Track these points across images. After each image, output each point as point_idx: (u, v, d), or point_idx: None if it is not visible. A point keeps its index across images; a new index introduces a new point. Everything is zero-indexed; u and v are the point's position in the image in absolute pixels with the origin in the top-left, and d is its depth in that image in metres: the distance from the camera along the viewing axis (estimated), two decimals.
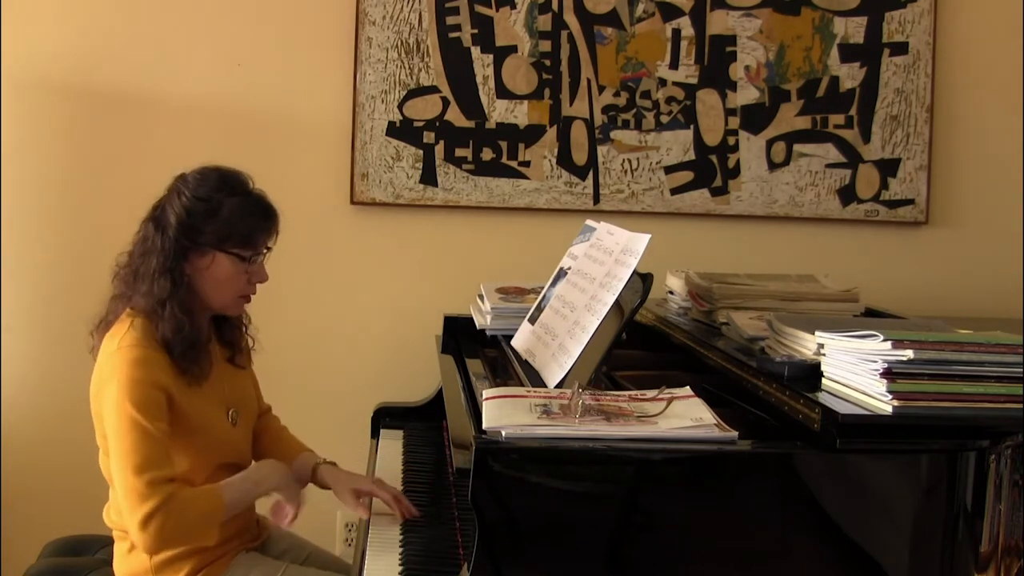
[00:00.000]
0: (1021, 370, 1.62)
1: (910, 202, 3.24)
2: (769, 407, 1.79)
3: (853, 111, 3.21)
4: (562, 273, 2.22)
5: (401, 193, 3.13)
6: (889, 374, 1.60)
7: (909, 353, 1.59)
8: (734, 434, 1.59)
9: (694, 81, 3.17)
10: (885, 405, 1.59)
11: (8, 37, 3.04)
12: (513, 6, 3.12)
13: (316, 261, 3.15)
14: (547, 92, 3.14)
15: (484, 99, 3.13)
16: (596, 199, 3.17)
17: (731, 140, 3.19)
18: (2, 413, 3.09)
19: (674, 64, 3.16)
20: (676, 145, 3.18)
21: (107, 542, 2.11)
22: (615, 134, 3.16)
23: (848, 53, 3.20)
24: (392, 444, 2.57)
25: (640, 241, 1.94)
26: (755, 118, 3.19)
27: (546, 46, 3.14)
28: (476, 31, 3.11)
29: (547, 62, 3.14)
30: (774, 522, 1.59)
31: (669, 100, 3.17)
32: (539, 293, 2.29)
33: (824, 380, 1.76)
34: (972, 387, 1.61)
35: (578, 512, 1.55)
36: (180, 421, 1.94)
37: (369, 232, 3.16)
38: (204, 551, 1.98)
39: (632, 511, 1.55)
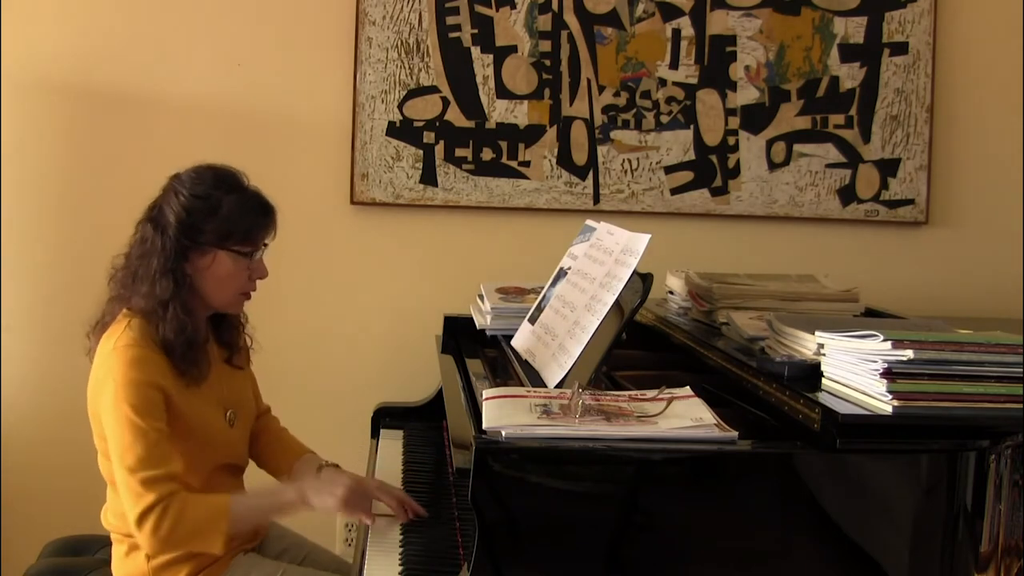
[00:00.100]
0: (1021, 370, 1.62)
1: (910, 202, 3.24)
2: (769, 407, 1.79)
3: (853, 111, 3.21)
4: (562, 273, 2.22)
5: (401, 193, 3.13)
6: (889, 374, 1.60)
7: (909, 353, 1.59)
8: (734, 434, 1.59)
9: (694, 81, 3.17)
10: (885, 405, 1.59)
11: (8, 37, 3.04)
12: (513, 6, 3.12)
13: (316, 261, 3.15)
14: (547, 92, 3.14)
15: (484, 99, 3.13)
16: (596, 199, 3.17)
17: (731, 140, 3.19)
18: (2, 413, 3.09)
19: (674, 64, 3.17)
20: (676, 145, 3.18)
21: (107, 542, 2.11)
22: (615, 134, 3.16)
23: (848, 53, 3.20)
24: (392, 444, 2.57)
25: (640, 241, 1.94)
26: (755, 118, 3.19)
27: (546, 46, 3.14)
28: (476, 31, 3.11)
29: (547, 62, 3.14)
30: (774, 522, 1.59)
31: (669, 100, 3.17)
32: (539, 293, 2.29)
33: (824, 380, 1.76)
34: (972, 387, 1.61)
35: (578, 512, 1.55)
36: (177, 422, 1.94)
37: (369, 232, 3.16)
38: (202, 553, 1.97)
39: (632, 511, 1.55)
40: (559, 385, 1.89)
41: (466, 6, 3.10)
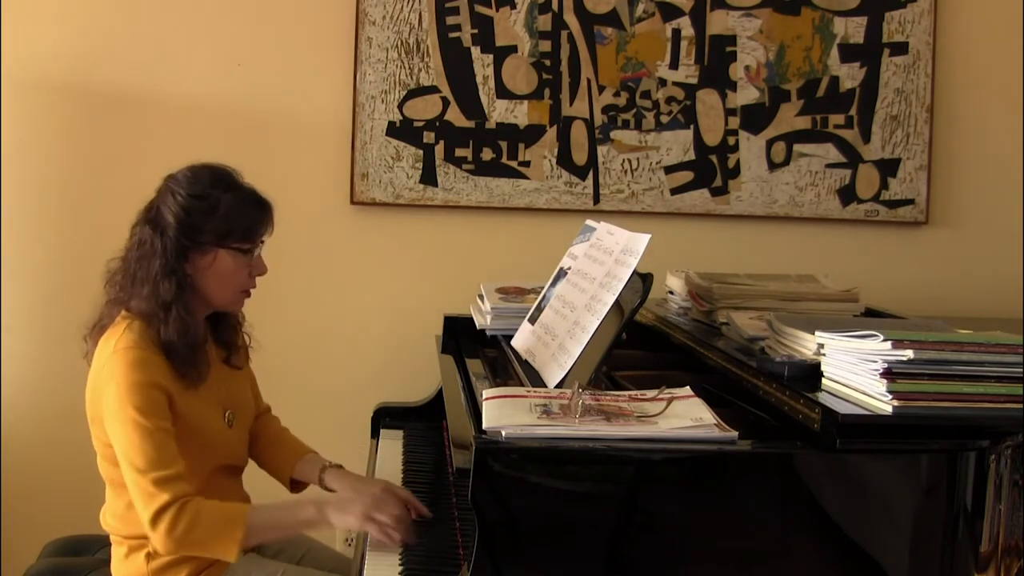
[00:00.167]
0: (1021, 370, 1.62)
1: (910, 202, 3.24)
2: (769, 407, 1.79)
3: (853, 111, 3.21)
4: (562, 273, 2.22)
5: (401, 193, 3.13)
6: (889, 374, 1.60)
7: (909, 353, 1.59)
8: (734, 434, 1.59)
9: (694, 81, 3.17)
10: (885, 405, 1.59)
11: (8, 37, 3.04)
12: (513, 6, 3.12)
13: (316, 261, 3.15)
14: (547, 92, 3.14)
15: (484, 99, 3.13)
16: (596, 199, 3.17)
17: (731, 140, 3.19)
18: (2, 413, 3.09)
19: (674, 64, 3.16)
20: (676, 145, 3.18)
21: (107, 542, 2.11)
22: (615, 134, 3.16)
23: (848, 53, 3.20)
24: (392, 444, 2.57)
25: (640, 241, 1.94)
26: (755, 118, 3.19)
27: (546, 46, 3.14)
28: (476, 31, 3.11)
29: (547, 62, 3.14)
30: (774, 522, 1.59)
31: (669, 100, 3.17)
32: (539, 293, 2.29)
33: (824, 380, 1.76)
34: (972, 387, 1.61)
35: (578, 512, 1.55)
36: (177, 424, 1.94)
37: (369, 232, 3.16)
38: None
39: (632, 511, 1.55)
40: (559, 385, 1.89)
41: (466, 6, 3.10)
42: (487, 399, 1.72)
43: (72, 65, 3.07)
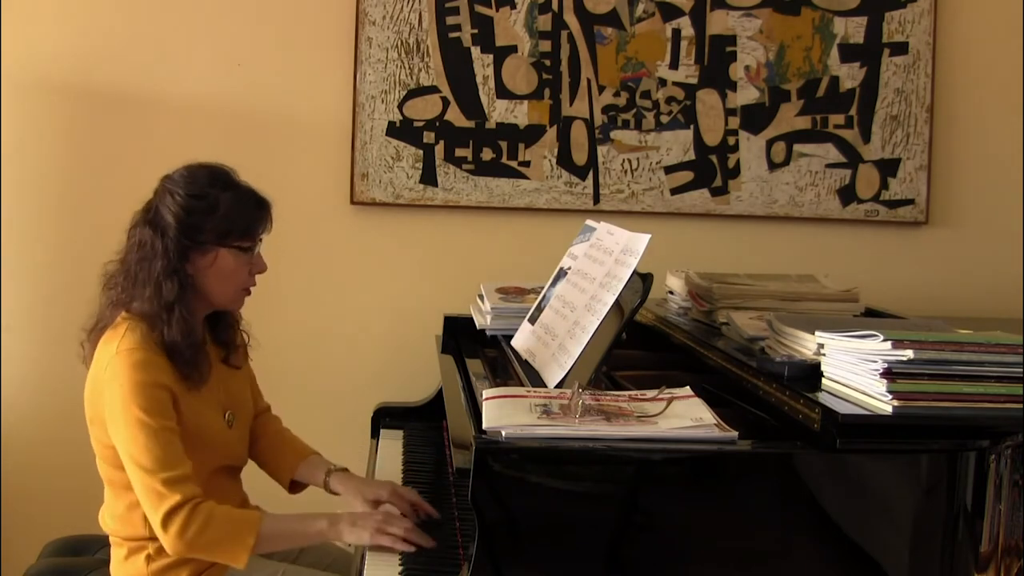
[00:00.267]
0: (1021, 370, 1.62)
1: (910, 202, 3.24)
2: (769, 407, 1.79)
3: (853, 111, 3.21)
4: (562, 273, 2.22)
5: (401, 193, 3.13)
6: (889, 374, 1.60)
7: (909, 353, 1.59)
8: (734, 434, 1.59)
9: (694, 81, 3.17)
10: (885, 405, 1.59)
11: (8, 37, 3.04)
12: (513, 6, 3.12)
13: (316, 261, 3.15)
14: (547, 92, 3.14)
15: (484, 99, 3.13)
16: (596, 199, 3.17)
17: (731, 140, 3.19)
18: (2, 413, 3.09)
19: (674, 64, 3.16)
20: (676, 145, 3.18)
21: (107, 542, 2.11)
22: (615, 134, 3.16)
23: (848, 53, 3.20)
24: (392, 444, 2.57)
25: (640, 241, 1.94)
26: (755, 118, 3.19)
27: (546, 46, 3.14)
28: (476, 31, 3.11)
29: (547, 62, 3.14)
30: (774, 522, 1.59)
31: (669, 100, 3.17)
32: (539, 293, 2.29)
33: (824, 380, 1.76)
34: (972, 387, 1.61)
35: (578, 512, 1.55)
36: (179, 425, 1.93)
37: (369, 232, 3.16)
38: None
39: (632, 511, 1.55)
40: (559, 385, 1.89)
41: (466, 6, 3.10)
42: (487, 399, 1.72)
43: (72, 65, 3.06)
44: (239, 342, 2.19)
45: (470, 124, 3.13)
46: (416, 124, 3.12)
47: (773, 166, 3.21)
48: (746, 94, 3.19)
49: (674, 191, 3.19)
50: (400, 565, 1.83)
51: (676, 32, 3.16)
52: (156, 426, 1.86)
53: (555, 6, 3.12)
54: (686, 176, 3.19)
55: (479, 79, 3.12)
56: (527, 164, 3.15)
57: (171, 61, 3.09)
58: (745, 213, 3.21)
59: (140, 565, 1.96)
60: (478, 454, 1.52)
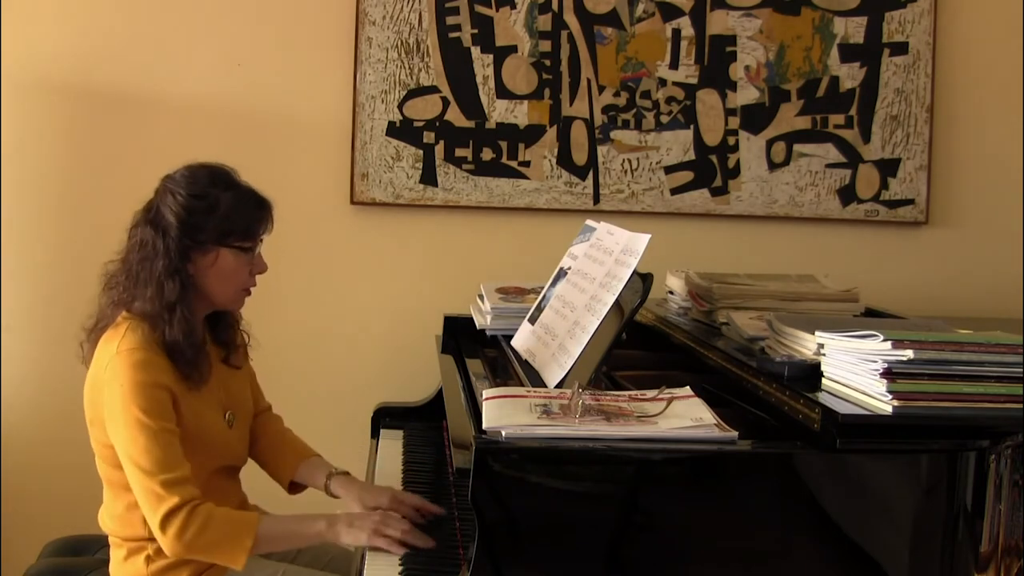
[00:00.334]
0: (1021, 370, 1.62)
1: (910, 202, 3.24)
2: (769, 407, 1.79)
3: (853, 111, 3.21)
4: (562, 273, 2.22)
5: (401, 193, 3.13)
6: (889, 374, 1.60)
7: (909, 353, 1.59)
8: (734, 434, 1.59)
9: (694, 81, 3.17)
10: (885, 405, 1.59)
11: (8, 37, 3.04)
12: (513, 6, 3.12)
13: (316, 261, 3.15)
14: (547, 92, 3.14)
15: (484, 99, 3.13)
16: (596, 199, 3.17)
17: (731, 140, 3.19)
18: (2, 413, 3.09)
19: (674, 64, 3.16)
20: (676, 145, 3.18)
21: (107, 542, 2.11)
22: (615, 134, 3.16)
23: (848, 53, 3.20)
24: (392, 444, 2.57)
25: (640, 241, 1.95)
26: (755, 118, 3.19)
27: (546, 46, 3.14)
28: (476, 31, 3.11)
29: (547, 62, 3.14)
30: (774, 522, 1.59)
31: (669, 100, 3.17)
32: (539, 293, 2.29)
33: (824, 380, 1.76)
34: (972, 387, 1.61)
35: (578, 512, 1.55)
36: (179, 425, 1.93)
37: (369, 232, 3.16)
38: None
39: (632, 511, 1.55)
40: (559, 385, 1.89)
41: (466, 6, 3.10)
42: (487, 399, 1.72)
43: (72, 65, 3.06)
44: (239, 342, 2.19)
45: (470, 124, 3.13)
46: (416, 124, 3.12)
47: (773, 166, 3.21)
48: (746, 94, 3.19)
49: (674, 191, 3.19)
50: (400, 565, 1.83)
51: (676, 32, 3.16)
52: (156, 427, 1.86)
53: (555, 6, 3.12)
54: (686, 176, 3.19)
55: (479, 79, 3.12)
56: (527, 164, 3.15)
57: (171, 61, 3.09)
58: (745, 213, 3.21)
59: (140, 565, 1.96)
60: (478, 454, 1.52)
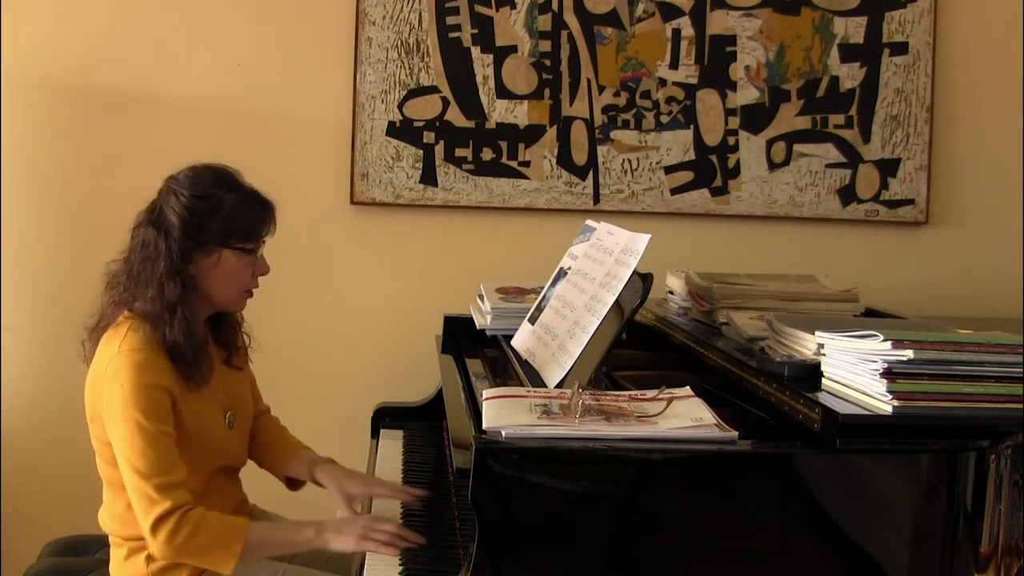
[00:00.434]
0: (1021, 370, 1.62)
1: (910, 202, 3.24)
2: (769, 407, 1.79)
3: (853, 111, 3.21)
4: (562, 273, 2.22)
5: (401, 193, 3.13)
6: (889, 374, 1.60)
7: (909, 353, 1.59)
8: (734, 434, 1.59)
9: (694, 81, 3.17)
10: (885, 405, 1.59)
11: (8, 37, 3.04)
12: (513, 6, 3.12)
13: (316, 261, 3.15)
14: (547, 92, 3.14)
15: (484, 99, 3.13)
16: (596, 199, 3.17)
17: (731, 140, 3.19)
18: (2, 413, 3.09)
19: (674, 64, 3.16)
20: (676, 145, 3.18)
21: (107, 542, 2.11)
22: (615, 134, 3.16)
23: (848, 53, 3.20)
24: (392, 444, 2.57)
25: (640, 241, 1.95)
26: (755, 118, 3.19)
27: (546, 46, 3.14)
28: (476, 31, 3.11)
29: (547, 62, 3.14)
30: (774, 522, 1.59)
31: (669, 100, 3.17)
32: (539, 293, 2.29)
33: (824, 380, 1.76)
34: (972, 387, 1.61)
35: (578, 512, 1.55)
36: (179, 426, 1.93)
37: (369, 232, 3.16)
38: None
39: (632, 511, 1.55)
40: (559, 385, 1.89)
41: (466, 6, 3.10)
42: (487, 399, 1.72)
43: (72, 65, 3.06)
44: (240, 343, 2.19)
45: (470, 124, 3.13)
46: (416, 124, 3.12)
47: (773, 166, 3.21)
48: (746, 94, 3.19)
49: (674, 191, 3.19)
50: (400, 565, 1.83)
51: (676, 32, 3.16)
52: (154, 431, 1.86)
53: (555, 6, 3.12)
54: (686, 176, 3.19)
55: (479, 79, 3.12)
56: (527, 164, 3.15)
57: (171, 61, 3.09)
58: (745, 213, 3.21)
59: (140, 565, 1.96)
60: (478, 454, 1.52)
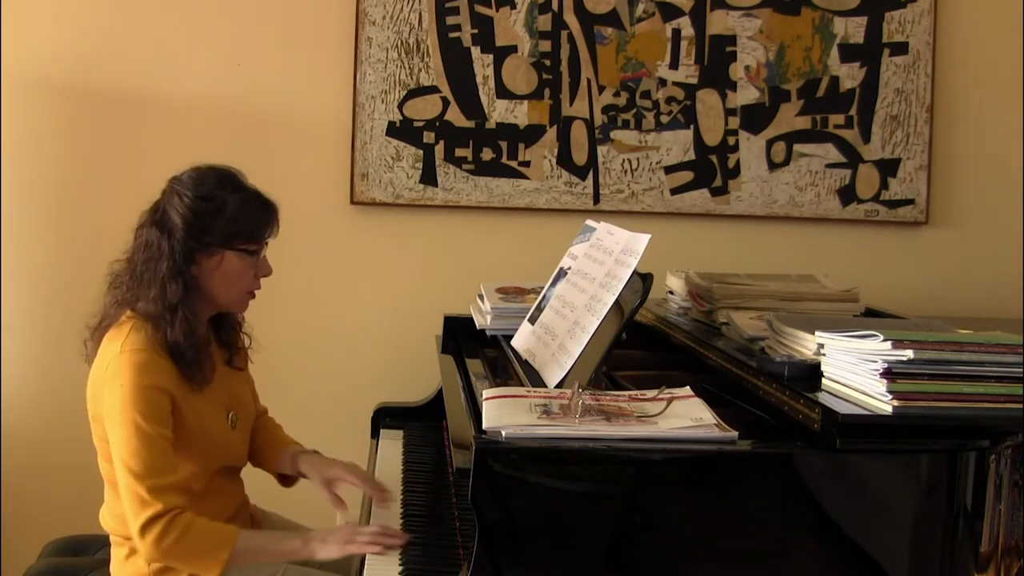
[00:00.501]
0: (1021, 370, 1.62)
1: (910, 202, 3.24)
2: (769, 407, 1.79)
3: (853, 111, 3.21)
4: (562, 273, 2.22)
5: (401, 193, 3.13)
6: (889, 374, 1.60)
7: (909, 353, 1.59)
8: (734, 434, 1.60)
9: (694, 81, 3.17)
10: (885, 405, 1.59)
11: (8, 37, 3.04)
12: (513, 6, 3.12)
13: (316, 261, 3.15)
14: (547, 92, 3.14)
15: (484, 99, 3.13)
16: (596, 199, 3.17)
17: (731, 140, 3.19)
18: (2, 413, 3.09)
19: (674, 64, 3.16)
20: (676, 145, 3.18)
21: (107, 542, 2.11)
22: (615, 134, 3.16)
23: (848, 53, 3.20)
24: (392, 444, 2.57)
25: (640, 241, 1.95)
26: (755, 118, 3.19)
27: (546, 46, 3.14)
28: (476, 31, 3.11)
29: (547, 62, 3.14)
30: (774, 522, 1.59)
31: (669, 100, 3.17)
32: (539, 293, 2.29)
33: (824, 380, 1.76)
34: (972, 387, 1.61)
35: (578, 512, 1.55)
36: (181, 426, 1.93)
37: (369, 232, 3.16)
38: None
39: (632, 511, 1.55)
40: (559, 385, 1.89)
41: (466, 6, 3.10)
42: (487, 399, 1.72)
43: (72, 65, 3.06)
44: (241, 344, 2.19)
45: (470, 124, 3.13)
46: (416, 124, 3.12)
47: (773, 166, 3.21)
48: (746, 94, 3.19)
49: (674, 191, 3.19)
50: (400, 565, 1.83)
51: (676, 32, 3.16)
52: (152, 433, 1.86)
53: (555, 6, 3.12)
54: (686, 176, 3.19)
55: (479, 79, 3.12)
56: (527, 164, 3.15)
57: (171, 61, 3.09)
58: (745, 213, 3.21)
59: (141, 565, 1.96)
60: (478, 454, 1.52)
